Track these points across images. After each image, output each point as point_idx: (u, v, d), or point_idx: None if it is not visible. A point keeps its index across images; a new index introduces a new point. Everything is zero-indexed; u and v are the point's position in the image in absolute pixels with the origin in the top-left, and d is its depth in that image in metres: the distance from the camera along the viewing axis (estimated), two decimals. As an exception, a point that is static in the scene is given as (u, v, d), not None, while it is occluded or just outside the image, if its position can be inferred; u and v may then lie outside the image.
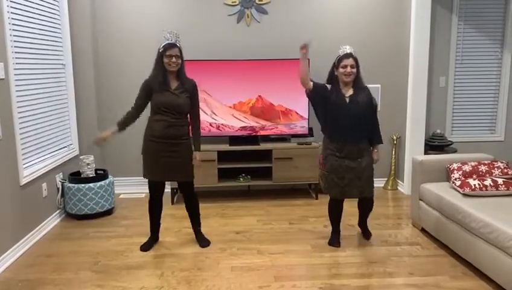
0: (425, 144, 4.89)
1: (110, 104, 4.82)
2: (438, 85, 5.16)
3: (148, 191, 3.47)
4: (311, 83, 3.28)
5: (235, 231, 3.86)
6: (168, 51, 3.20)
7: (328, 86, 3.33)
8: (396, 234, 3.75)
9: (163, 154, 3.28)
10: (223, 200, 4.71)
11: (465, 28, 5.08)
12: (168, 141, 3.27)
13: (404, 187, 4.94)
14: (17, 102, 3.46)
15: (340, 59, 3.26)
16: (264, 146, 4.66)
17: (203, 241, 3.55)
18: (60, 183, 4.19)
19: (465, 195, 3.30)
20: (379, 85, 4.87)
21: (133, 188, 4.90)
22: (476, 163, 3.57)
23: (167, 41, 3.23)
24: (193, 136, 3.42)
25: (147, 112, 3.37)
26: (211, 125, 4.70)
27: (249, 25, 4.86)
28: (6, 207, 3.27)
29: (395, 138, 5.02)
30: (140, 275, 3.07)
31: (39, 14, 3.91)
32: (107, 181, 4.25)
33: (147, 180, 3.43)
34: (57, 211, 4.16)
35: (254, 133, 4.75)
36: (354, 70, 3.24)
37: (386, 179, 5.13)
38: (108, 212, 4.28)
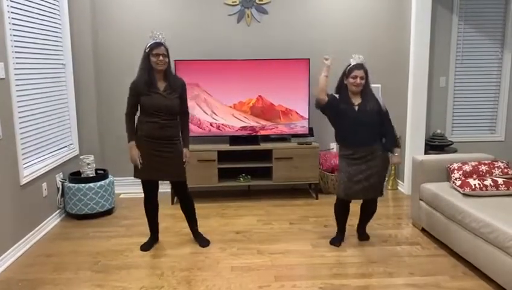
0: (426, 144, 4.89)
1: (110, 104, 4.82)
2: (438, 85, 5.17)
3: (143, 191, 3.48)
4: (326, 98, 3.32)
5: (235, 230, 3.86)
6: (155, 50, 3.18)
7: (337, 96, 3.38)
8: (396, 234, 3.75)
9: (155, 153, 3.27)
10: (223, 200, 4.71)
11: (466, 28, 5.08)
12: (160, 142, 3.27)
13: (405, 187, 4.94)
14: (17, 102, 3.46)
15: (351, 69, 3.30)
16: (264, 146, 4.65)
17: (202, 241, 3.55)
18: (60, 183, 4.19)
19: (465, 195, 3.30)
20: (379, 85, 4.87)
21: (133, 188, 4.88)
22: (476, 163, 3.57)
23: (153, 41, 3.22)
24: (182, 133, 3.41)
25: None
26: (211, 125, 4.70)
27: (249, 25, 4.86)
28: (7, 207, 3.27)
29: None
30: (140, 275, 3.07)
31: (39, 14, 3.91)
32: (107, 181, 4.25)
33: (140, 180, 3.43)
34: (57, 211, 4.16)
35: (254, 133, 4.75)
36: (363, 81, 3.28)
37: (386, 179, 5.12)
38: (109, 212, 4.28)
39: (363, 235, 3.63)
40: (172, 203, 4.56)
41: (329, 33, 4.89)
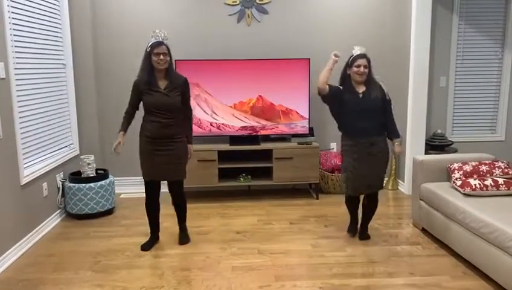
0: (426, 144, 4.88)
1: (111, 104, 4.82)
2: (439, 85, 5.16)
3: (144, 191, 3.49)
4: (328, 87, 3.34)
5: (235, 230, 3.86)
6: (156, 49, 3.19)
7: (341, 87, 3.42)
8: (396, 234, 3.75)
9: (156, 153, 3.30)
10: (223, 200, 4.71)
11: (466, 28, 5.08)
12: (162, 141, 3.28)
13: (405, 187, 4.94)
14: (18, 102, 3.46)
15: (354, 59, 3.34)
16: (264, 146, 4.65)
17: (183, 238, 3.57)
18: (60, 183, 4.19)
19: (465, 195, 3.30)
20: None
21: (133, 188, 4.90)
22: (477, 163, 3.57)
23: (154, 40, 3.23)
24: (187, 131, 3.43)
25: (141, 110, 3.38)
26: (211, 125, 4.70)
27: (249, 25, 4.86)
28: (7, 207, 3.27)
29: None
30: (140, 274, 3.07)
31: (40, 14, 3.91)
32: (107, 181, 4.25)
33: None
34: (58, 211, 4.16)
35: (254, 133, 4.75)
36: (367, 70, 3.33)
37: (386, 179, 5.12)
38: (109, 212, 4.28)
39: (364, 235, 3.63)
40: (172, 203, 4.55)
41: (330, 33, 4.89)
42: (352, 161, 3.38)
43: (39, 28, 3.90)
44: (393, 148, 3.51)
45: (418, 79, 4.70)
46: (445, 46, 5.09)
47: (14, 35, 3.45)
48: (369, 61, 3.34)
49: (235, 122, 4.72)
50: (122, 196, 4.84)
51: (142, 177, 3.44)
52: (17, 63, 3.48)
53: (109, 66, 4.83)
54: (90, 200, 4.10)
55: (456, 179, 3.46)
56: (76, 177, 4.19)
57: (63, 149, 4.34)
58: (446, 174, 3.68)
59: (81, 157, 4.30)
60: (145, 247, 3.48)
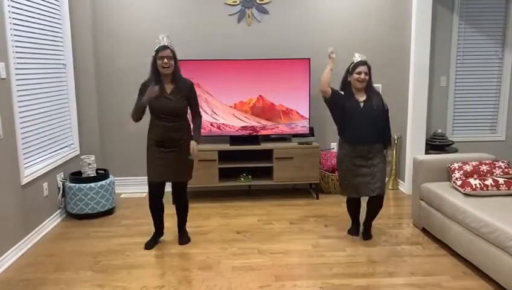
0: (426, 144, 4.88)
1: (111, 104, 4.82)
2: (439, 85, 5.16)
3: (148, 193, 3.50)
4: (330, 90, 3.39)
5: (235, 230, 3.86)
6: (160, 53, 3.22)
7: (342, 93, 3.45)
8: (397, 234, 3.75)
9: (162, 155, 3.32)
10: (223, 200, 4.71)
11: (466, 28, 5.08)
12: (168, 144, 3.31)
13: (405, 187, 4.94)
14: (18, 102, 3.46)
15: (355, 66, 3.37)
16: (264, 146, 4.65)
17: (183, 238, 3.59)
18: (60, 183, 4.19)
19: (466, 195, 3.30)
20: (380, 85, 4.86)
21: (134, 188, 4.90)
22: (477, 163, 3.57)
23: (159, 45, 3.25)
24: (193, 133, 3.44)
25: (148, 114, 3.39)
26: (211, 125, 4.70)
27: (249, 25, 4.86)
28: (7, 207, 3.27)
29: (396, 137, 5.01)
30: (141, 274, 3.07)
31: (40, 14, 3.91)
32: (108, 181, 4.25)
33: (147, 180, 3.45)
34: (58, 211, 4.16)
35: (255, 133, 4.75)
36: (367, 77, 3.36)
37: (387, 178, 5.12)
38: (109, 212, 4.28)
39: (367, 234, 3.63)
40: (173, 203, 4.56)
41: (330, 33, 4.89)
42: (350, 165, 3.40)
43: (39, 28, 3.90)
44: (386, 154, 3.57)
45: (418, 79, 4.70)
46: (445, 46, 5.09)
47: (15, 35, 3.45)
48: (369, 68, 3.38)
49: (235, 122, 4.72)
50: (122, 196, 4.84)
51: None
52: (17, 63, 3.48)
53: (109, 66, 4.83)
54: (91, 200, 4.10)
55: (457, 178, 3.46)
56: (77, 177, 4.20)
57: (64, 149, 4.35)
58: (446, 174, 3.68)
59: (82, 157, 4.31)
60: (149, 245, 3.49)
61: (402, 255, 3.34)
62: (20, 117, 3.50)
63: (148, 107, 3.31)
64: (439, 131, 5.03)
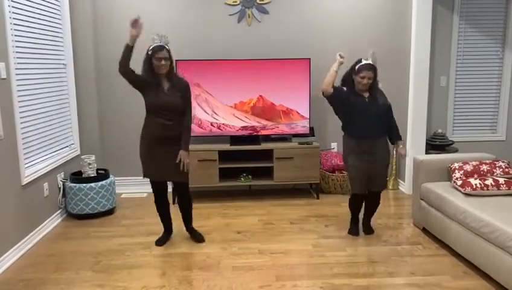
0: (427, 144, 4.88)
1: (111, 104, 4.83)
2: (439, 84, 5.16)
3: (151, 190, 3.52)
4: (331, 89, 3.40)
5: (236, 230, 3.86)
6: (157, 54, 3.21)
7: (344, 88, 3.47)
8: (397, 234, 3.75)
9: (160, 153, 3.31)
10: (224, 200, 4.71)
11: (466, 28, 5.08)
12: (163, 142, 3.29)
13: (405, 187, 4.94)
14: (19, 102, 3.46)
15: (360, 69, 3.36)
16: (265, 146, 4.65)
17: (198, 237, 3.59)
18: (61, 183, 4.19)
19: (466, 195, 3.30)
20: (380, 85, 4.86)
21: (134, 188, 4.90)
22: (477, 163, 3.57)
23: (155, 44, 3.23)
24: (182, 135, 3.34)
25: (143, 113, 3.37)
26: (211, 125, 4.70)
27: (249, 25, 4.86)
28: (8, 207, 3.28)
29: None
30: (141, 274, 3.07)
31: (40, 14, 3.91)
32: (108, 181, 4.25)
33: (148, 180, 3.46)
34: (58, 211, 4.16)
35: (255, 133, 4.75)
36: (370, 81, 3.38)
37: (387, 178, 5.12)
38: (110, 212, 4.28)
39: (369, 229, 3.68)
40: (174, 203, 4.56)
41: (330, 33, 4.89)
42: (355, 161, 3.43)
43: (40, 28, 3.90)
44: (398, 150, 3.61)
45: (418, 79, 4.70)
46: (445, 46, 5.09)
47: (15, 35, 3.45)
48: (375, 71, 3.38)
49: (235, 122, 4.72)
50: (123, 196, 4.84)
51: (143, 177, 3.44)
52: (18, 63, 3.48)
53: (110, 66, 4.80)
54: (91, 200, 4.11)
55: (457, 178, 3.46)
56: (77, 177, 4.20)
57: (64, 149, 4.35)
58: (447, 174, 3.68)
59: (82, 157, 4.31)
60: (160, 242, 3.52)
61: (402, 255, 3.34)
62: (21, 117, 3.50)
63: (144, 103, 3.29)
64: (440, 131, 5.03)
